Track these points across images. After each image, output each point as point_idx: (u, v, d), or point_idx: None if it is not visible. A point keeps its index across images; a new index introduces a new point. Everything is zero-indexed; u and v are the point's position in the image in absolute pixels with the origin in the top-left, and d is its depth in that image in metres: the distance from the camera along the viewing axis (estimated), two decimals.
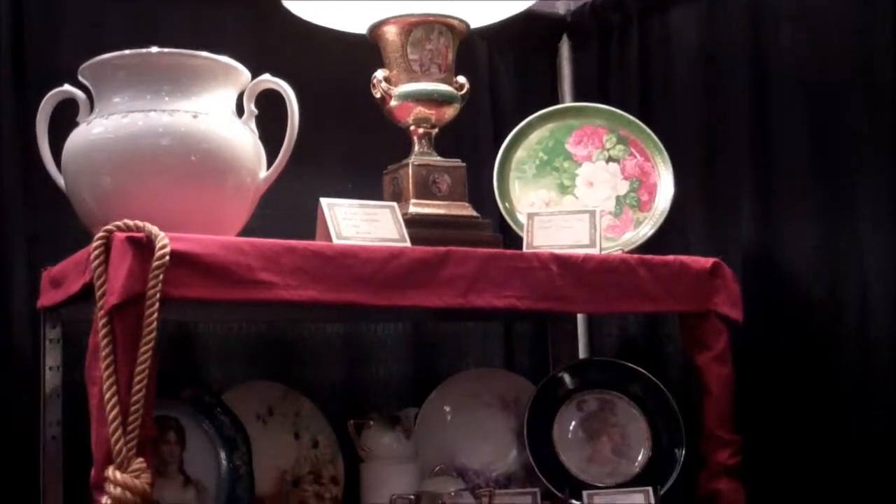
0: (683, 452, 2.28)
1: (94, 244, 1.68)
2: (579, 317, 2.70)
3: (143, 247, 1.66)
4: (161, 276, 1.64)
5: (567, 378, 2.39)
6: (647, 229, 2.38)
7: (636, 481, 2.28)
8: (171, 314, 2.08)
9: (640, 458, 2.33)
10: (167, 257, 1.65)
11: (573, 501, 2.21)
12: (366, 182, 2.27)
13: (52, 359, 2.05)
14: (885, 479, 2.13)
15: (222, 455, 2.04)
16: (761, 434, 2.27)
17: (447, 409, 2.40)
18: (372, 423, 2.17)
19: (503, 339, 2.74)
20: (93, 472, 1.66)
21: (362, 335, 2.58)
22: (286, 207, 2.25)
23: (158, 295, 1.64)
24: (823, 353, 2.25)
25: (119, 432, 1.62)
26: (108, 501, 1.60)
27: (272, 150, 2.00)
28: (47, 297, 1.98)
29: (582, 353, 2.72)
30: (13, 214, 2.16)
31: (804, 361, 2.28)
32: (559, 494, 2.24)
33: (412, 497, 2.07)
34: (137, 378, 1.63)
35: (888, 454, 2.13)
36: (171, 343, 2.33)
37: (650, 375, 2.37)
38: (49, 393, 2.04)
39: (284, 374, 2.37)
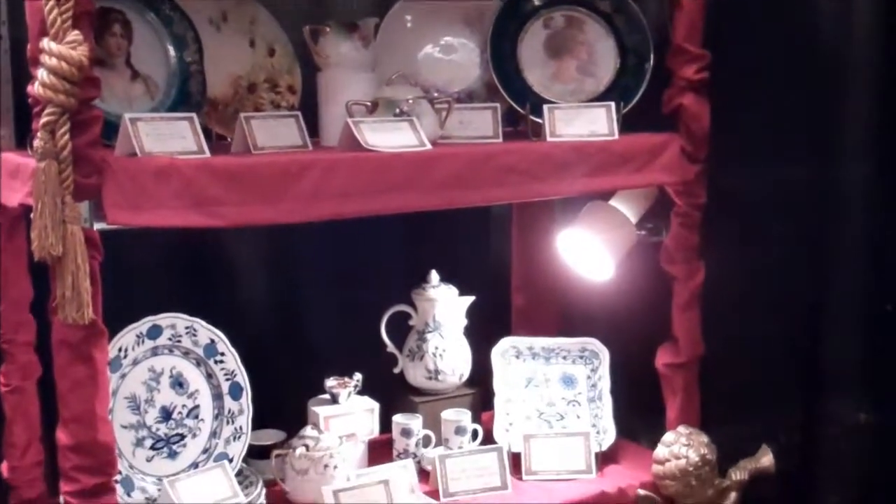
0: (650, 66, 2.22)
1: None
2: None
3: None
4: None
5: None
6: None
7: (601, 99, 2.22)
8: None
9: (606, 77, 2.27)
10: None
11: (533, 118, 2.17)
12: None
13: None
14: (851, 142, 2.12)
15: (171, 51, 1.97)
16: (729, 51, 2.21)
17: (408, 18, 2.30)
18: (329, 29, 2.08)
19: None
20: (28, 46, 1.60)
21: None
22: None
23: None
24: None
25: (53, 1, 1.54)
26: (44, 73, 1.55)
27: None
28: None
29: None
30: None
31: None
32: (520, 110, 2.20)
33: (369, 104, 2.02)
34: None
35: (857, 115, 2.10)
36: None
37: None
38: None
39: None
